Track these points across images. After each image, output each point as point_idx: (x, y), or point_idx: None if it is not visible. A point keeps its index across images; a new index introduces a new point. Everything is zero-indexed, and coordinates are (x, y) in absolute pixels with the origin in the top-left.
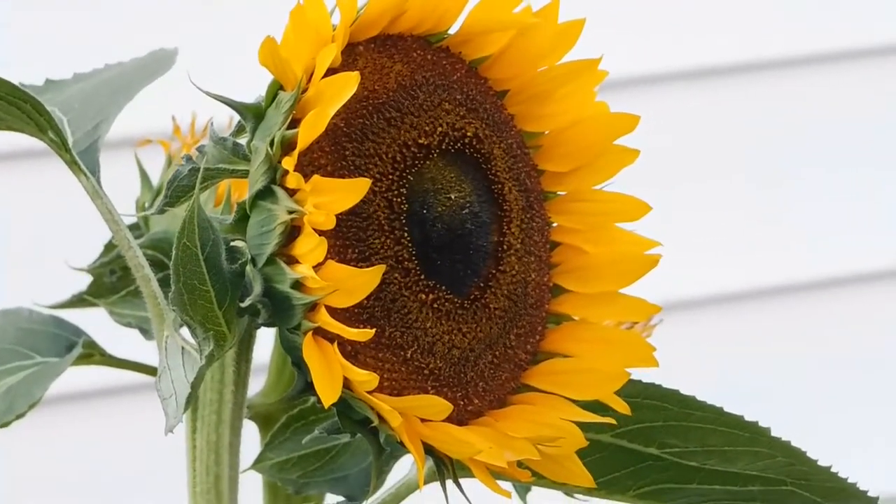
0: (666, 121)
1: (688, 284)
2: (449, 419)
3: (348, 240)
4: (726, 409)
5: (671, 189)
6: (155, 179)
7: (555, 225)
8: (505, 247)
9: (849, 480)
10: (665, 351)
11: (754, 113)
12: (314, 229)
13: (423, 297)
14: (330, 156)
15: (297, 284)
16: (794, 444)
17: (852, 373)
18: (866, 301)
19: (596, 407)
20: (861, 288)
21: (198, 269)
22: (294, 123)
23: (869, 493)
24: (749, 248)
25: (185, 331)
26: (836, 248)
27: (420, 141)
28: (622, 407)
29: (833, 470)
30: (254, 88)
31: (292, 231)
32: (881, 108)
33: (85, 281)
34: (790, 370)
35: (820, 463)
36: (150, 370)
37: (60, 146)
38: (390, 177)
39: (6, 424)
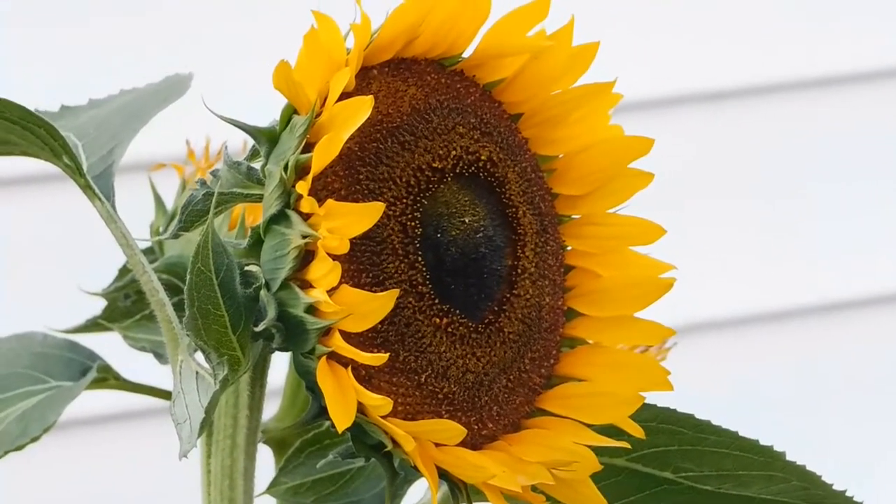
0: (680, 143)
1: (702, 307)
2: (463, 443)
3: (362, 264)
4: (741, 433)
5: (685, 211)
6: (169, 204)
7: (569, 248)
8: (519, 271)
9: None
10: (679, 374)
11: (768, 135)
12: (328, 254)
13: (438, 321)
14: (344, 180)
15: (311, 309)
16: (809, 468)
17: (870, 394)
18: (884, 322)
19: (610, 431)
20: (879, 309)
21: (212, 294)
22: (308, 148)
23: None
24: (764, 271)
25: (199, 355)
26: (852, 270)
27: (434, 165)
28: (636, 431)
29: (848, 494)
30: (268, 113)
31: (306, 255)
32: (887, 133)
33: (99, 305)
34: (806, 392)
35: (835, 487)
36: (165, 395)
37: (75, 171)
38: (404, 201)
39: (21, 448)
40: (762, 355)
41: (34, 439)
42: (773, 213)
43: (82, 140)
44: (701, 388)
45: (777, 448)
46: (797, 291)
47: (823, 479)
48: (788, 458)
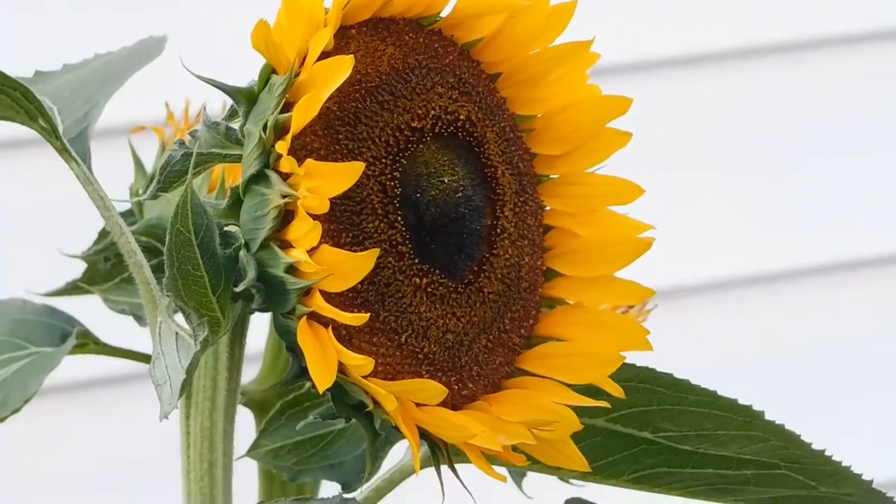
0: (660, 107)
1: (683, 271)
2: (444, 403)
3: (342, 224)
4: (720, 393)
5: (667, 176)
6: (149, 166)
7: (548, 209)
8: (498, 230)
9: (843, 464)
10: (659, 337)
11: (751, 98)
12: (308, 213)
13: (418, 281)
14: (323, 140)
15: (292, 269)
16: (787, 428)
17: (848, 359)
18: (860, 288)
19: (590, 391)
20: (856, 275)
21: (192, 255)
22: (287, 107)
23: (863, 477)
24: (745, 235)
25: (178, 317)
26: (830, 235)
27: (413, 124)
28: (616, 391)
29: (827, 454)
30: (247, 73)
31: (286, 215)
32: (885, 93)
33: (79, 268)
34: (785, 357)
35: (814, 446)
36: (145, 358)
37: (51, 133)
38: (384, 160)
39: (2, 420)
40: (742, 319)
41: (15, 411)
42: (753, 177)
43: (58, 104)
44: (680, 350)
45: (756, 408)
46: (778, 256)
47: (802, 438)
48: (767, 417)
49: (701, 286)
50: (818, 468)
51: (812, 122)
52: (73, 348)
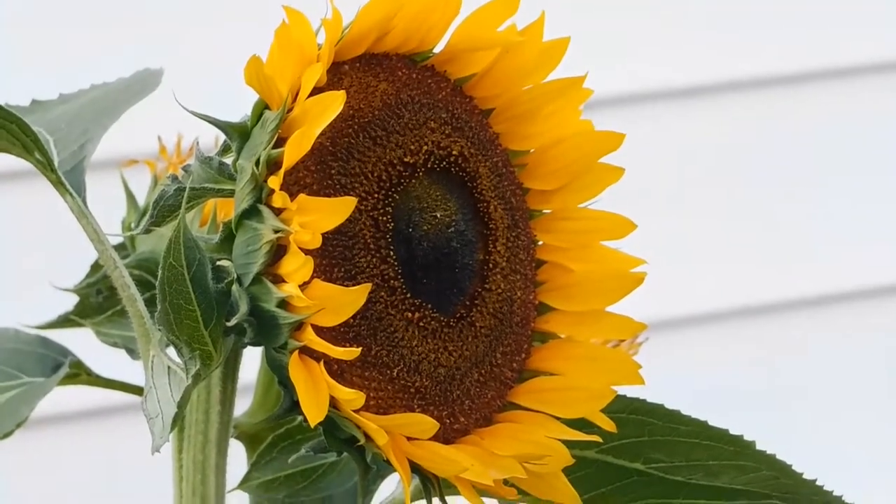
0: (652, 139)
1: (674, 302)
2: (435, 437)
3: (334, 258)
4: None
5: (659, 208)
6: (141, 200)
7: (540, 243)
8: (491, 265)
9: (834, 494)
10: (650, 369)
11: (743, 132)
12: (300, 248)
13: (409, 315)
14: (315, 175)
15: (284, 303)
16: (779, 458)
17: (839, 390)
18: (851, 319)
19: (581, 424)
20: (847, 306)
21: (184, 289)
22: (280, 142)
23: None
24: (736, 268)
25: (171, 350)
26: (822, 268)
27: (405, 160)
28: (607, 424)
29: (818, 483)
30: (240, 108)
31: (278, 250)
32: (881, 127)
33: (71, 301)
34: (777, 388)
35: (805, 476)
36: (137, 390)
37: (46, 166)
38: (376, 195)
39: None
40: (732, 351)
41: (6, 434)
42: (746, 209)
43: (53, 135)
44: (672, 383)
45: (747, 438)
46: (769, 287)
47: (794, 468)
48: (759, 447)
49: (691, 318)
50: (810, 498)
51: (805, 155)
52: (66, 379)
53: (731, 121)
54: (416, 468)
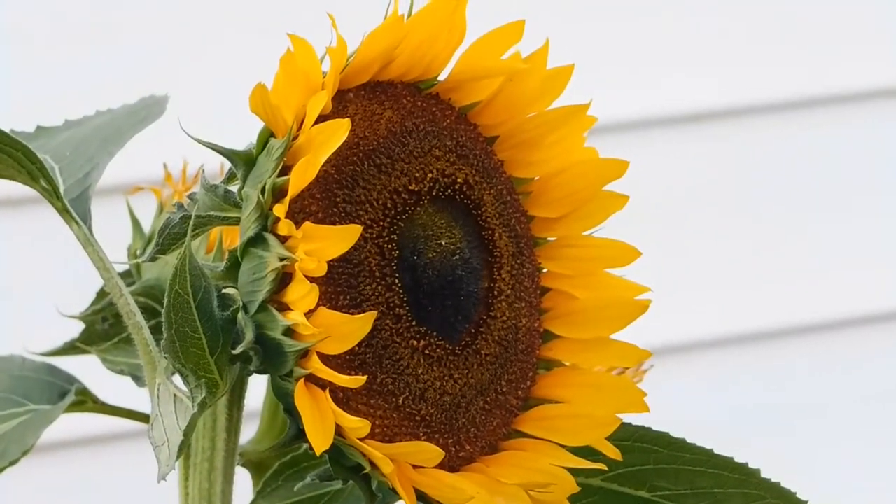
0: (656, 166)
1: (679, 329)
2: (441, 465)
3: (340, 286)
4: (716, 451)
5: (664, 234)
6: (146, 227)
7: (545, 271)
8: (496, 293)
9: None
10: (655, 396)
11: (746, 158)
12: (306, 276)
13: (415, 343)
14: (321, 202)
15: (289, 331)
16: (784, 486)
17: (845, 418)
18: (858, 345)
19: (586, 452)
20: (854, 332)
21: (189, 317)
22: (285, 170)
23: None
24: (740, 294)
25: (177, 378)
26: (827, 293)
27: (411, 187)
28: (613, 452)
29: None
30: (245, 136)
31: (284, 278)
32: (885, 152)
33: (77, 328)
34: (782, 415)
35: None
36: (143, 417)
37: (52, 194)
38: (381, 223)
39: (0, 471)
40: (738, 378)
41: (13, 462)
42: (749, 235)
43: (59, 163)
44: (677, 410)
45: (752, 466)
46: (774, 314)
47: (799, 496)
48: (764, 475)
49: (696, 344)
50: None
51: (809, 180)
52: (72, 406)
53: (736, 146)
54: (421, 496)
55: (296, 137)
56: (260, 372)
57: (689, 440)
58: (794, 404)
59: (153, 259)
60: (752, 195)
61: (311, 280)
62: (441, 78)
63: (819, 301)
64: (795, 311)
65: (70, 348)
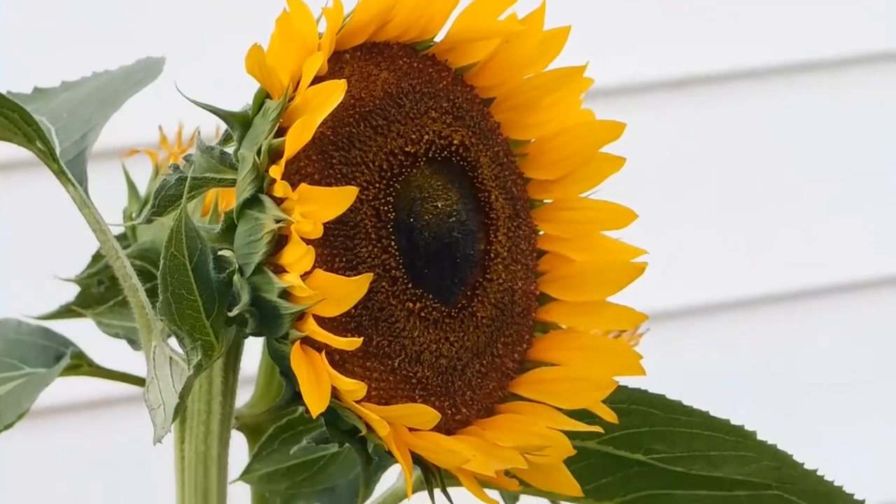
0: (654, 129)
1: (675, 294)
2: (437, 428)
3: (336, 248)
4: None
5: (660, 198)
6: (142, 190)
7: (541, 233)
8: (492, 255)
9: (835, 484)
10: (651, 360)
11: (740, 121)
12: (302, 238)
13: (411, 305)
14: (317, 164)
15: (285, 294)
16: (780, 448)
17: (840, 381)
18: (852, 310)
19: (582, 415)
20: (848, 297)
21: (185, 279)
22: (281, 132)
23: (856, 497)
24: (737, 258)
25: (173, 341)
26: (823, 258)
27: (407, 149)
28: (609, 415)
29: (819, 474)
30: (241, 98)
31: (280, 240)
32: (883, 116)
33: (73, 292)
34: (778, 379)
35: (806, 467)
36: (139, 381)
37: (48, 156)
38: (377, 185)
39: None
40: (735, 342)
41: (8, 426)
42: (747, 199)
43: (55, 125)
44: (673, 374)
45: (748, 428)
46: (770, 279)
47: (795, 458)
48: (759, 438)
49: (692, 309)
50: (811, 489)
51: (807, 144)
52: (67, 369)
53: (731, 111)
54: (417, 459)
55: (292, 99)
56: (256, 334)
57: (684, 403)
58: (791, 369)
59: (149, 221)
60: (750, 159)
61: (307, 242)
62: (437, 39)
63: (819, 266)
64: (795, 276)
65: (66, 311)
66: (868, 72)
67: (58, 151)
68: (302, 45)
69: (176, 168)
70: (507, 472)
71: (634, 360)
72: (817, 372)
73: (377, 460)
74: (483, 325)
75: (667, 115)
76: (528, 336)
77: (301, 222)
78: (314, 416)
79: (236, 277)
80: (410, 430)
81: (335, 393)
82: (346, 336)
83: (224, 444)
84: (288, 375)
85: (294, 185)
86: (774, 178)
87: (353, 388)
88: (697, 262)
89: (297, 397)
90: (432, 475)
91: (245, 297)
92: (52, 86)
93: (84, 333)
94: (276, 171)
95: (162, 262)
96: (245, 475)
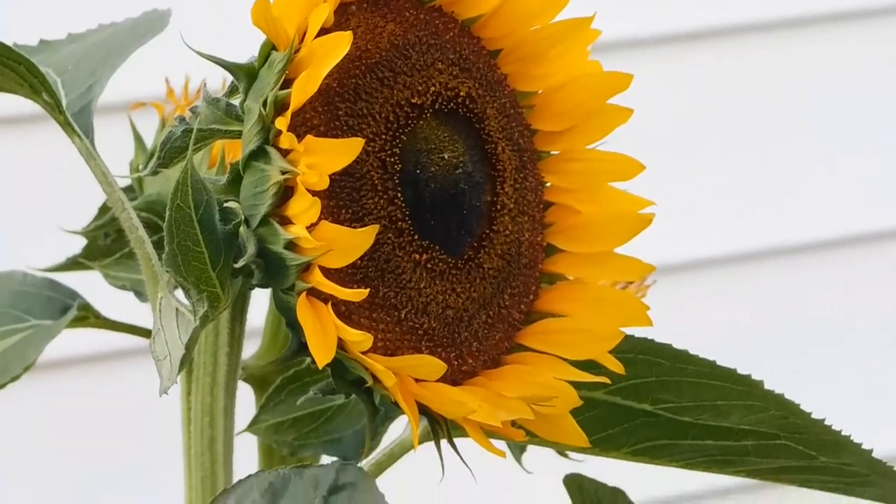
0: (661, 82)
1: (682, 246)
2: (443, 379)
3: (342, 200)
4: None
5: (667, 151)
6: (149, 142)
7: (548, 185)
8: (498, 206)
9: (843, 433)
10: (658, 312)
11: (748, 74)
12: (307, 190)
13: (417, 257)
14: (323, 116)
15: (291, 245)
16: (787, 398)
17: (847, 333)
18: (859, 262)
19: (589, 365)
20: (855, 249)
21: (191, 231)
22: (287, 84)
23: (863, 447)
24: (744, 211)
25: (179, 292)
26: (829, 210)
27: (413, 101)
28: (616, 366)
29: (827, 423)
30: (247, 50)
31: (286, 191)
32: (872, 70)
33: (79, 244)
34: (784, 330)
35: (814, 416)
36: (145, 332)
37: (54, 108)
38: (383, 137)
39: (1, 387)
40: (740, 293)
41: (14, 378)
42: (754, 152)
43: (61, 76)
44: (680, 325)
45: (755, 378)
46: (776, 231)
47: (802, 407)
48: (767, 387)
49: (699, 261)
50: (818, 438)
51: (813, 97)
52: (74, 321)
53: (737, 64)
54: (424, 410)
55: (298, 50)
56: (262, 286)
57: (691, 353)
58: (797, 320)
59: (155, 173)
60: (757, 112)
61: (313, 194)
62: None
63: (825, 218)
64: (800, 228)
65: (72, 264)
66: (879, 25)
67: (64, 103)
68: None
69: (182, 120)
70: (513, 423)
71: (641, 311)
72: (824, 324)
73: (383, 411)
74: (489, 277)
75: (673, 68)
76: (534, 287)
77: (307, 174)
78: (320, 367)
79: (242, 229)
80: (416, 380)
81: (341, 344)
82: (352, 287)
83: (230, 395)
84: (294, 327)
85: (300, 137)
86: (781, 132)
87: (359, 338)
88: (705, 212)
89: (303, 348)
90: (439, 426)
91: (251, 249)
92: (57, 38)
93: (90, 287)
94: (281, 123)
95: (168, 213)
96: (252, 426)
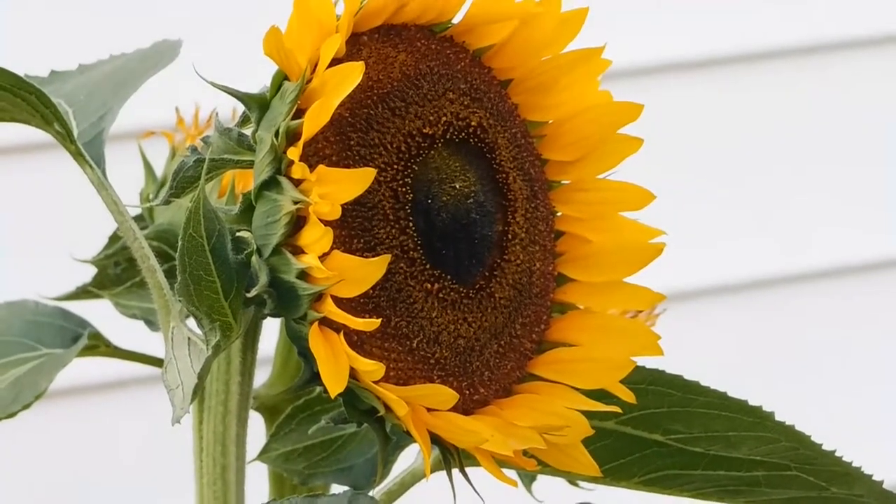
0: (670, 111)
1: (692, 274)
2: (455, 408)
3: (354, 230)
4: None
5: (677, 179)
6: (159, 171)
7: (559, 214)
8: (510, 236)
9: (853, 465)
10: (669, 341)
11: (758, 103)
12: (320, 219)
13: (429, 286)
14: (335, 146)
15: (303, 274)
16: (798, 429)
17: (859, 362)
18: (871, 290)
19: (600, 395)
20: (868, 277)
21: (204, 260)
22: (299, 114)
23: (874, 478)
24: (754, 238)
25: (191, 322)
26: (842, 238)
27: (425, 131)
28: (627, 395)
29: (837, 454)
30: (259, 80)
31: (298, 221)
32: (878, 100)
33: (90, 273)
34: (795, 359)
35: (824, 447)
36: (157, 361)
37: (66, 138)
38: (395, 166)
39: (13, 415)
40: (752, 323)
41: (26, 406)
42: (764, 181)
43: (72, 107)
44: (690, 353)
45: (766, 409)
46: (787, 259)
47: (813, 438)
48: (778, 418)
49: (710, 289)
50: (829, 469)
51: (825, 124)
52: (85, 350)
53: (748, 92)
54: (435, 439)
55: (310, 81)
56: (274, 315)
57: (702, 384)
58: (809, 349)
59: (166, 202)
60: (767, 141)
61: (325, 223)
62: (455, 21)
63: (837, 246)
64: (811, 256)
65: (82, 292)
66: (882, 53)
67: (75, 133)
68: (319, 27)
69: (194, 150)
70: (525, 452)
71: (652, 341)
72: (837, 353)
73: (395, 440)
74: (501, 306)
75: (683, 96)
76: (545, 317)
77: (319, 203)
78: (332, 397)
79: (254, 258)
80: (428, 410)
81: (353, 373)
82: (364, 317)
83: (242, 423)
84: (306, 356)
85: (312, 167)
86: (791, 161)
87: (371, 368)
88: (715, 241)
89: (315, 378)
90: (450, 455)
91: (263, 278)
92: (68, 69)
93: (100, 316)
94: (293, 153)
95: (180, 243)
96: (263, 455)
